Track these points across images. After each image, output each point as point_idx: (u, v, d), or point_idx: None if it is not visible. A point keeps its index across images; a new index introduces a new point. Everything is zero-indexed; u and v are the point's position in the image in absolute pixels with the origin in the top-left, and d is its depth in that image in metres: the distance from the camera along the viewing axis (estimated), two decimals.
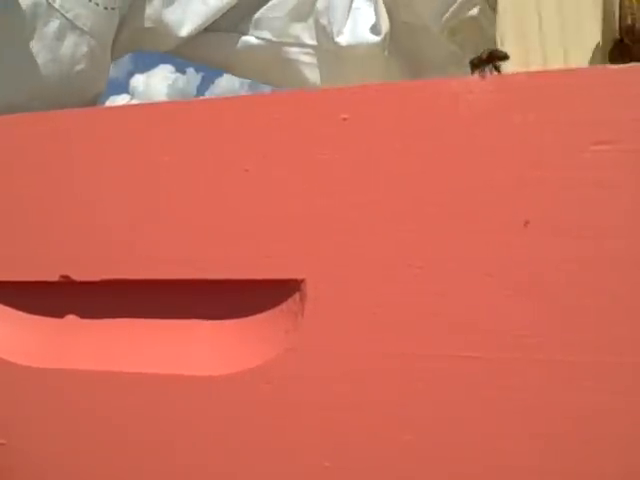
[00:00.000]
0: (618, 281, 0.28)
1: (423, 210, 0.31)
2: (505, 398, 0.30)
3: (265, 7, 0.78)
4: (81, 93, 0.71)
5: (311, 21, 0.78)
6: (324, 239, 0.32)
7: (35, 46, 0.64)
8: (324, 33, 0.76)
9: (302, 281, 0.32)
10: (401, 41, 0.76)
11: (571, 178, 0.29)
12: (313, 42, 0.79)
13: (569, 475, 0.29)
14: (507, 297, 0.30)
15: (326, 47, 0.76)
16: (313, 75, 0.80)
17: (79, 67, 0.68)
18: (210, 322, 0.36)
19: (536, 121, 0.29)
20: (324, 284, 0.32)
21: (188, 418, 0.35)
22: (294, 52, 0.81)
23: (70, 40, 0.66)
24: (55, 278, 0.37)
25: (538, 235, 0.29)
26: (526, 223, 0.29)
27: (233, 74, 0.88)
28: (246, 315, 0.35)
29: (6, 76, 0.63)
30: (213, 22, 0.78)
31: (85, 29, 0.67)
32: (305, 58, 0.80)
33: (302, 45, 0.80)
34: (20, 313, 0.40)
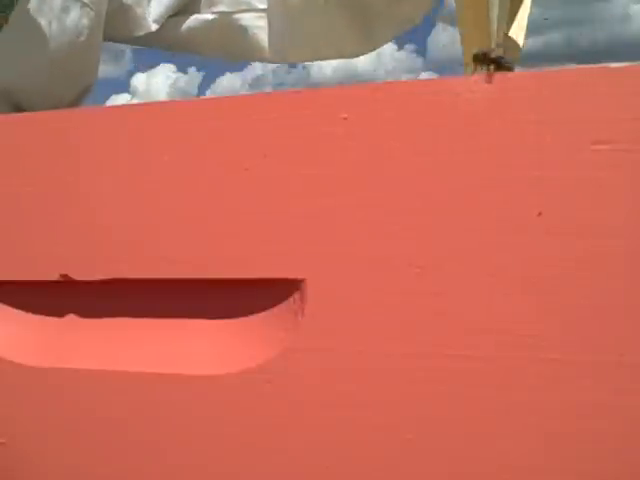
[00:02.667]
0: (618, 280, 0.28)
1: (423, 210, 0.31)
2: (505, 397, 0.30)
3: None
4: (81, 73, 0.73)
5: None
6: (324, 239, 0.32)
7: (46, 17, 0.67)
8: None
9: (302, 281, 0.33)
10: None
11: (571, 178, 0.29)
12: (263, 5, 0.82)
13: (569, 473, 0.29)
14: (507, 297, 0.30)
15: (273, 6, 0.79)
16: (265, 37, 0.83)
17: (82, 38, 0.71)
18: (210, 321, 0.36)
19: (536, 121, 0.29)
20: (324, 284, 0.32)
21: (188, 417, 0.35)
22: (248, 18, 0.84)
23: (74, 12, 0.69)
24: (55, 277, 0.37)
25: (538, 235, 0.29)
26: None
27: (197, 53, 0.91)
28: (246, 314, 0.35)
29: (25, 46, 0.65)
30: (175, 12, 0.81)
31: (85, 1, 0.69)
32: (258, 22, 0.83)
33: (254, 10, 0.83)
34: (20, 312, 0.40)
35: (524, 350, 0.29)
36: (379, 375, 0.31)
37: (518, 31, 0.68)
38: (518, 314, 0.29)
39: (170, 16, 0.82)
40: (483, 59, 0.33)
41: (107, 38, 0.78)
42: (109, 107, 0.38)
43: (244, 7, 0.83)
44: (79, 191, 0.36)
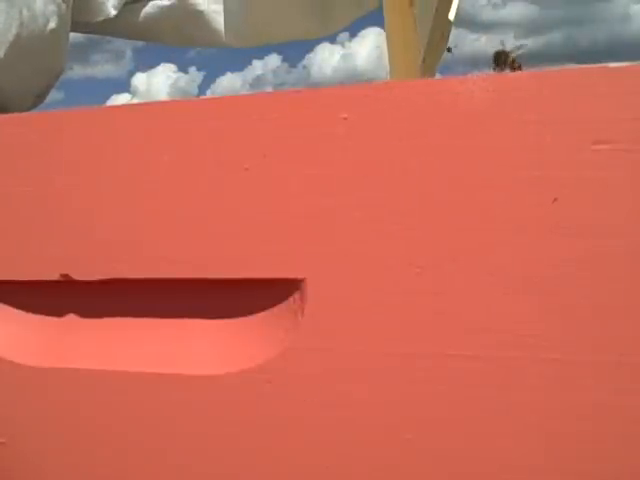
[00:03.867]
0: (618, 280, 0.28)
1: (423, 209, 0.31)
2: (505, 397, 0.30)
3: None
4: (51, 61, 0.72)
5: None
6: (324, 239, 0.32)
7: (18, 3, 0.66)
8: None
9: (302, 280, 0.32)
10: None
11: (571, 178, 0.29)
12: None
13: (569, 473, 0.29)
14: (507, 296, 0.30)
15: None
16: (222, 20, 0.83)
17: (50, 25, 0.70)
18: (210, 321, 0.36)
19: (536, 121, 0.29)
20: (324, 284, 0.32)
21: (189, 417, 0.35)
22: (203, 3, 0.85)
23: None
24: (55, 277, 0.37)
25: (538, 235, 0.29)
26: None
27: (155, 40, 0.91)
28: (246, 314, 0.35)
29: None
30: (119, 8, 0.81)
31: None
32: (214, 6, 0.84)
33: None
34: (20, 312, 0.39)
35: (524, 350, 0.29)
36: (379, 375, 0.31)
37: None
38: (518, 314, 0.29)
39: (127, 3, 0.82)
40: (505, 60, 0.33)
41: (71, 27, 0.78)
42: (109, 107, 0.38)
43: None
44: (79, 191, 0.36)
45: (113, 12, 0.80)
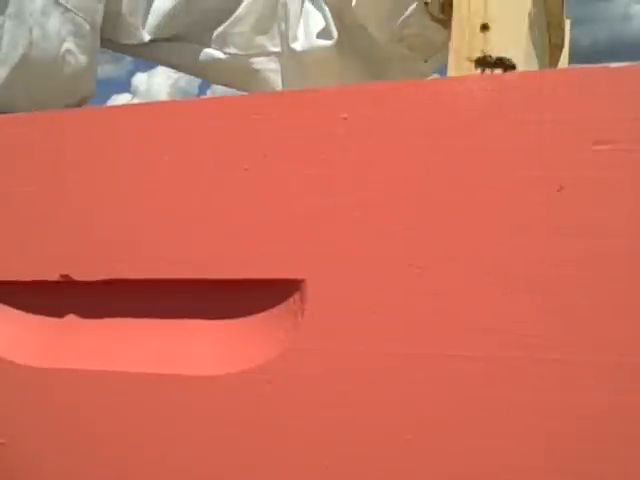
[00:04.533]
0: (618, 280, 0.28)
1: (423, 210, 0.31)
2: (505, 397, 0.30)
3: (228, 22, 0.80)
4: (70, 85, 0.70)
5: (274, 29, 0.80)
6: (324, 239, 0.32)
7: (27, 22, 0.63)
8: (284, 39, 0.78)
9: (302, 281, 0.32)
10: (353, 43, 0.77)
11: (571, 178, 0.29)
12: (277, 49, 0.81)
13: (569, 473, 0.29)
14: (507, 296, 0.30)
15: (287, 53, 0.78)
16: (278, 79, 0.82)
17: (66, 46, 0.67)
18: (210, 322, 0.36)
19: (536, 121, 0.29)
20: (324, 284, 0.32)
21: (189, 417, 0.35)
22: (260, 62, 0.83)
23: (55, 17, 0.66)
24: (55, 278, 0.37)
25: (538, 234, 0.29)
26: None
27: (202, 79, 0.91)
28: (246, 315, 0.35)
29: (4, 53, 0.63)
30: (176, 33, 0.80)
31: (68, 6, 0.67)
32: (271, 65, 0.82)
33: (267, 54, 0.82)
34: (20, 312, 0.39)
35: (524, 350, 0.29)
36: (379, 375, 0.31)
37: None
38: (518, 314, 0.29)
39: (168, 38, 0.80)
40: (484, 63, 0.33)
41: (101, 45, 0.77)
42: (110, 107, 0.38)
43: (257, 51, 0.82)
44: (80, 191, 0.36)
45: (147, 38, 0.78)
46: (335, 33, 0.75)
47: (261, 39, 0.81)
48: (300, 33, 0.77)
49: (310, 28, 0.76)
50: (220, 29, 0.81)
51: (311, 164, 0.32)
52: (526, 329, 0.29)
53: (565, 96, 0.29)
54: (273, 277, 0.33)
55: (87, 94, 0.75)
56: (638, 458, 0.29)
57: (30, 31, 0.64)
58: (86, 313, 0.38)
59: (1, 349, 0.38)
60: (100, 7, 0.71)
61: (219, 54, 0.82)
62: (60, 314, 0.39)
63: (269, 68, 0.82)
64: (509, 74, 0.30)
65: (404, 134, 0.31)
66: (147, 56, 0.84)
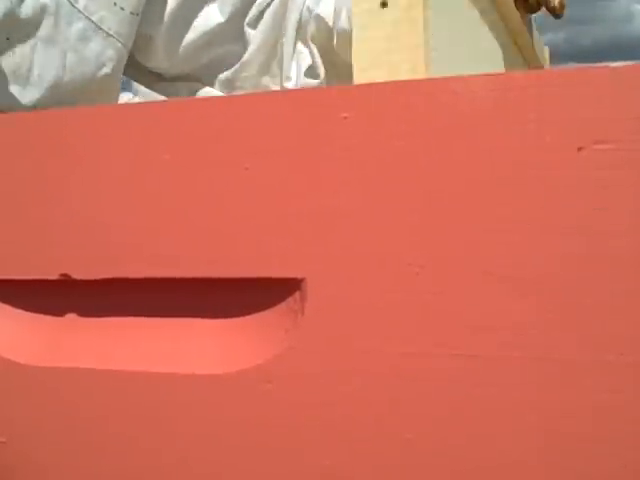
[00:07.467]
0: (618, 280, 0.28)
1: (423, 209, 0.31)
2: (505, 396, 0.30)
3: (236, 67, 0.80)
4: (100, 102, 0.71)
5: (275, 69, 0.81)
6: (324, 238, 0.32)
7: (60, 46, 0.64)
8: (280, 79, 0.79)
9: (302, 280, 0.32)
10: (342, 79, 0.78)
11: (571, 177, 0.29)
12: (277, 88, 0.82)
13: (569, 473, 0.29)
14: (507, 295, 0.30)
15: None
16: None
17: (104, 70, 0.67)
18: (210, 321, 0.36)
19: (536, 121, 0.29)
20: (324, 283, 0.32)
21: (189, 417, 0.35)
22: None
23: (96, 42, 0.66)
24: (55, 277, 0.37)
25: (538, 233, 0.29)
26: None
27: None
28: (246, 314, 0.35)
29: (36, 76, 0.63)
30: (189, 72, 0.81)
31: (110, 32, 0.67)
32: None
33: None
34: (20, 311, 0.40)
35: (524, 350, 0.29)
36: (380, 375, 0.31)
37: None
38: (518, 313, 0.29)
39: (182, 77, 0.81)
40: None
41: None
42: (110, 106, 0.38)
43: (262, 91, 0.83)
44: (80, 190, 0.36)
45: (171, 69, 0.79)
46: (322, 70, 0.76)
47: (266, 80, 0.82)
48: (292, 73, 0.78)
49: (301, 68, 0.78)
50: (227, 73, 0.82)
51: (311, 164, 0.32)
52: (526, 328, 0.29)
53: (565, 96, 0.29)
54: (273, 276, 0.33)
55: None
56: (638, 458, 0.29)
57: (64, 55, 0.65)
58: (86, 312, 0.38)
59: (1, 349, 0.38)
60: (134, 31, 0.72)
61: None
62: (60, 313, 0.39)
63: None
64: (509, 74, 0.30)
65: (404, 133, 0.31)
66: (162, 92, 0.85)
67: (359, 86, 0.32)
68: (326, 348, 0.32)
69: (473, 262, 0.30)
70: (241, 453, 0.34)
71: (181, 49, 0.78)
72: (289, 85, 0.76)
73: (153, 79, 0.82)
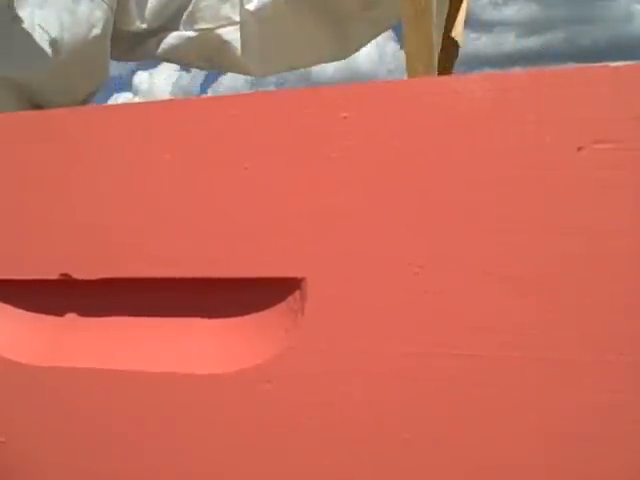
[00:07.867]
0: (618, 280, 0.28)
1: (423, 209, 0.31)
2: (505, 396, 0.30)
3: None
4: (95, 68, 0.73)
5: None
6: (324, 238, 0.32)
7: (57, 5, 0.66)
8: (241, 4, 0.79)
9: (302, 279, 0.32)
10: None
11: (572, 177, 0.29)
12: (238, 18, 0.82)
13: (569, 473, 0.29)
14: (507, 295, 0.30)
15: (244, 16, 0.79)
16: (240, 48, 0.84)
17: (95, 32, 0.70)
18: (210, 320, 0.36)
19: (536, 121, 0.29)
20: (324, 283, 0.32)
21: (188, 416, 0.35)
22: (227, 32, 0.84)
23: (85, 4, 0.69)
24: (55, 276, 0.37)
25: (538, 233, 0.29)
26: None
27: (179, 64, 0.93)
28: (246, 313, 0.35)
29: (36, 39, 0.65)
30: (160, 24, 0.82)
31: None
32: (237, 34, 0.83)
33: (233, 23, 0.83)
34: (20, 311, 0.40)
35: (524, 350, 0.29)
36: (380, 375, 0.31)
37: (459, 30, 0.68)
38: (518, 313, 0.29)
39: (149, 36, 0.82)
40: None
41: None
42: (111, 106, 0.38)
43: (224, 22, 0.84)
44: (80, 190, 0.36)
45: (143, 26, 0.81)
46: None
47: (226, 8, 0.83)
48: None
49: None
50: (189, 8, 0.83)
51: (311, 163, 0.32)
52: (526, 328, 0.29)
53: (565, 96, 0.29)
54: (273, 276, 0.33)
55: (104, 78, 0.78)
56: (638, 458, 0.29)
57: (59, 18, 0.66)
58: (86, 311, 0.38)
59: (1, 348, 0.38)
60: None
61: (190, 33, 0.84)
62: (60, 313, 0.39)
63: (236, 38, 0.84)
64: (509, 74, 0.30)
65: (404, 133, 0.31)
66: (133, 57, 0.86)
67: (359, 86, 0.32)
68: (326, 348, 0.32)
69: (473, 262, 0.30)
70: (241, 453, 0.34)
71: (149, 4, 0.80)
72: (250, 6, 0.76)
73: (125, 47, 0.84)
